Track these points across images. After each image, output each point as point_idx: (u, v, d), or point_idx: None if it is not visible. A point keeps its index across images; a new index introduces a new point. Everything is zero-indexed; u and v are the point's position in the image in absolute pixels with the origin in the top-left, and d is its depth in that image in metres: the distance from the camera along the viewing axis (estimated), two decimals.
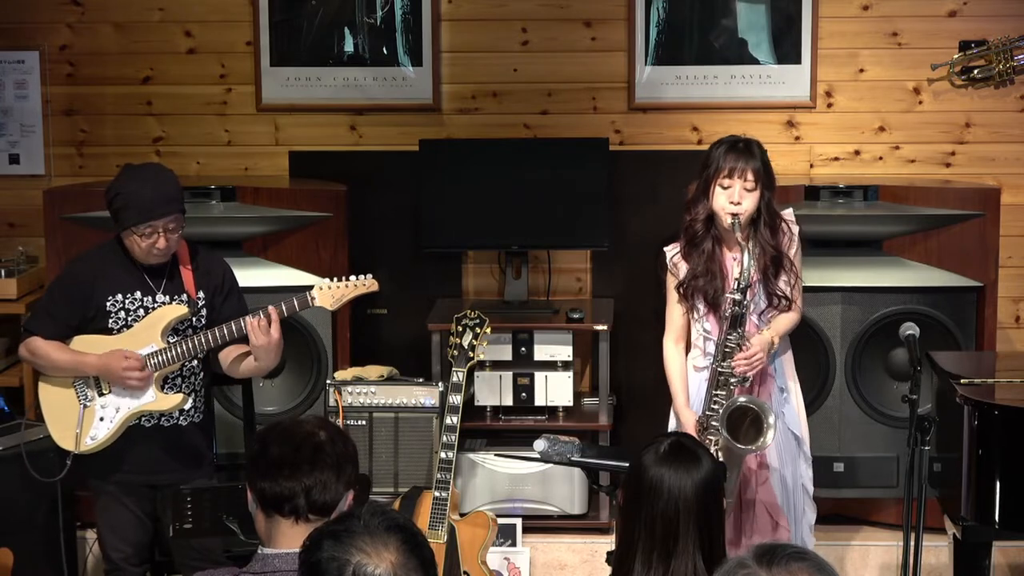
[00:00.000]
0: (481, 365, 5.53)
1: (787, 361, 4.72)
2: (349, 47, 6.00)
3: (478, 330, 5.19)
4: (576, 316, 5.66)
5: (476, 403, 5.64)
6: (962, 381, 4.64)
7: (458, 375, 5.14)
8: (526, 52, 6.00)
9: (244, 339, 4.47)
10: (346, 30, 5.99)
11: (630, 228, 5.97)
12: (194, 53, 6.05)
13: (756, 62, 5.93)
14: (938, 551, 5.26)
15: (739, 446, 4.37)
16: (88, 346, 4.49)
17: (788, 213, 4.66)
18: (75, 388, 4.51)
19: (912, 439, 4.26)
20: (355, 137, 6.06)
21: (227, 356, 4.58)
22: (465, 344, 5.18)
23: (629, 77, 5.95)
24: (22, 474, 4.75)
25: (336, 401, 5.41)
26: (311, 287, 4.54)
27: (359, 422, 5.42)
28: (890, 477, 5.51)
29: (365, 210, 5.93)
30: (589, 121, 6.00)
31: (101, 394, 4.49)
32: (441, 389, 5.37)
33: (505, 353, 5.62)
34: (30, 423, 5.19)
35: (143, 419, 4.52)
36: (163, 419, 4.54)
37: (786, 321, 4.62)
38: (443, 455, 5.08)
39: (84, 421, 4.48)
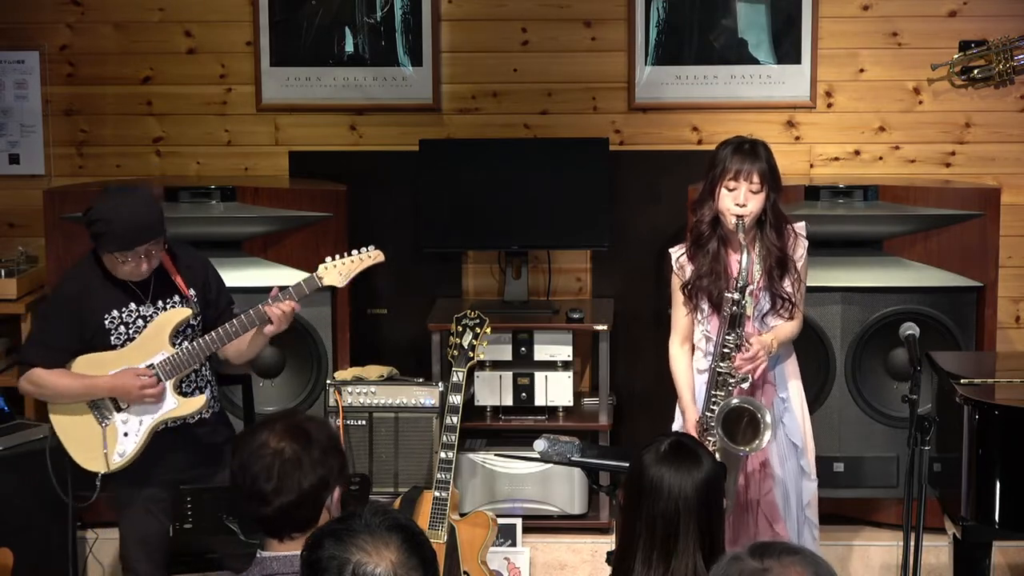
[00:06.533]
0: (481, 365, 5.53)
1: (790, 369, 4.70)
2: (349, 47, 5.99)
3: (478, 330, 5.19)
4: (576, 316, 5.66)
5: (476, 403, 5.64)
6: (962, 381, 4.64)
7: (458, 375, 5.14)
8: (526, 52, 6.00)
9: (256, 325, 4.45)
10: (346, 30, 5.99)
11: (630, 228, 5.97)
12: (194, 53, 6.05)
13: (756, 62, 5.93)
14: (938, 551, 5.26)
15: (735, 447, 4.37)
16: (93, 366, 4.44)
17: (800, 227, 4.66)
18: (90, 410, 4.45)
19: (912, 439, 4.25)
20: (355, 137, 6.06)
21: (228, 346, 4.54)
22: (465, 344, 5.18)
23: (629, 77, 5.95)
24: (22, 474, 4.75)
25: (336, 401, 5.41)
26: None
27: (359, 422, 5.42)
28: (890, 477, 5.51)
29: (365, 210, 5.93)
30: (589, 121, 5.99)
31: (119, 410, 4.44)
32: (441, 389, 5.37)
33: (505, 353, 5.62)
34: (29, 422, 5.20)
35: (168, 422, 4.48)
36: (187, 418, 4.50)
37: (787, 329, 4.61)
38: (443, 455, 5.08)
39: (108, 440, 4.43)
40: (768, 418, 4.35)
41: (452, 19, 5.99)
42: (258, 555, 3.00)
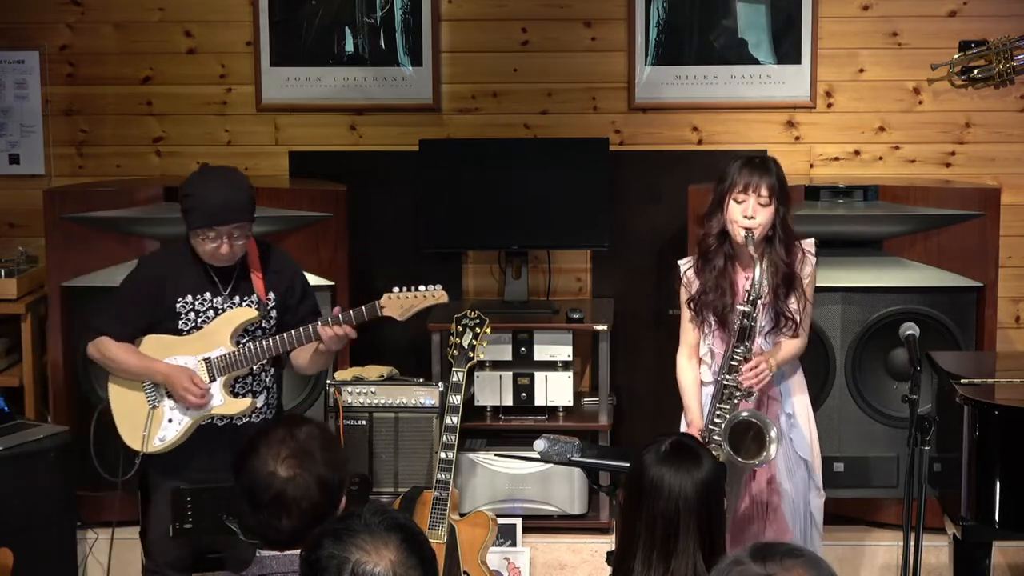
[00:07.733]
0: (481, 365, 5.53)
1: (795, 385, 4.67)
2: (349, 47, 6.00)
3: (478, 330, 5.19)
4: (576, 316, 5.66)
5: (476, 403, 5.64)
6: (962, 381, 4.64)
7: (458, 375, 5.14)
8: (526, 52, 5.99)
9: (312, 340, 4.46)
10: (346, 30, 5.99)
11: (630, 228, 5.97)
12: (194, 53, 6.05)
13: (756, 62, 5.92)
14: (938, 551, 5.26)
15: (740, 461, 4.35)
16: (157, 348, 4.46)
17: (809, 243, 4.62)
18: (145, 389, 4.49)
19: (912, 439, 4.25)
20: (355, 137, 6.06)
21: (297, 356, 4.57)
22: (465, 344, 5.17)
23: (629, 77, 5.95)
24: (22, 474, 4.74)
25: (336, 401, 5.41)
26: (377, 295, 4.48)
27: (359, 422, 5.42)
28: (890, 477, 5.50)
29: (365, 210, 5.93)
30: (589, 121, 5.99)
31: (170, 396, 4.47)
32: (441, 389, 5.38)
33: (505, 353, 5.62)
34: (29, 422, 5.18)
35: (215, 419, 4.50)
36: (235, 418, 4.51)
37: (791, 348, 4.58)
38: (443, 455, 5.08)
39: (152, 422, 4.46)
40: (774, 433, 4.32)
41: (452, 19, 5.99)
42: (257, 554, 3.00)
